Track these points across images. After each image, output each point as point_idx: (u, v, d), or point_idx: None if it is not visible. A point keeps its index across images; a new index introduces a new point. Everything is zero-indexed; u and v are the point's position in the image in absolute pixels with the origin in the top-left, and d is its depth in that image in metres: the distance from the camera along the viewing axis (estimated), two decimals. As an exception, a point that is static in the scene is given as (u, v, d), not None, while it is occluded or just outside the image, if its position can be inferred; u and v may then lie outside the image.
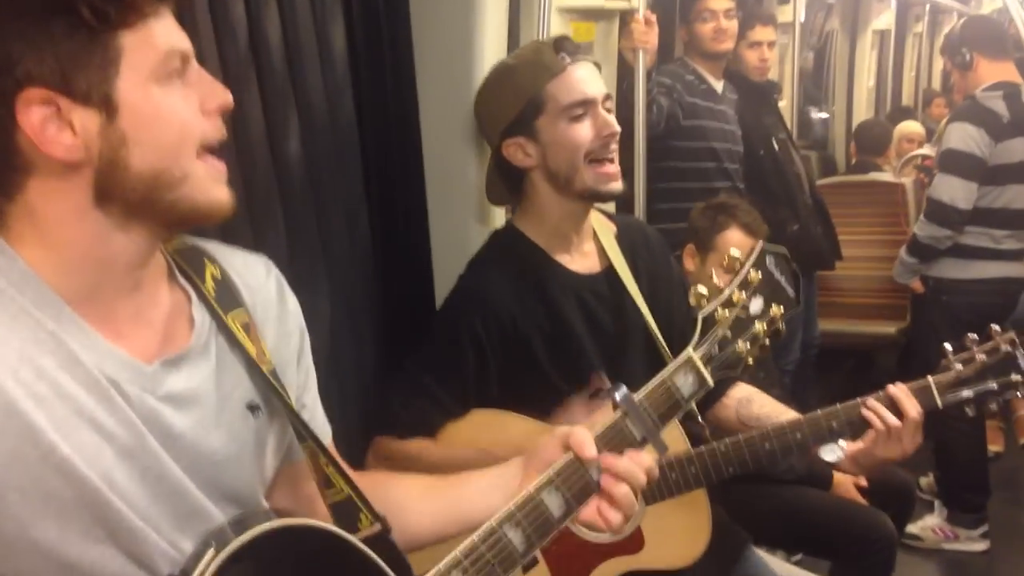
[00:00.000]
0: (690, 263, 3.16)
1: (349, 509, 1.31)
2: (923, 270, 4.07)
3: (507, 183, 2.09)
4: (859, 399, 1.96)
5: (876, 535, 2.81)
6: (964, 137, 3.78)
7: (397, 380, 2.02)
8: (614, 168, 1.98)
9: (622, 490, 1.33)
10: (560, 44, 2.01)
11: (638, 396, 1.40)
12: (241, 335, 1.23)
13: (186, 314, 1.20)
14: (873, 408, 1.91)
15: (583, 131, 1.96)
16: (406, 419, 1.97)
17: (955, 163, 3.82)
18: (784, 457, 2.03)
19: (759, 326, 1.49)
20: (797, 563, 3.49)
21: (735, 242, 3.06)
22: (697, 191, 3.66)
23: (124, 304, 1.13)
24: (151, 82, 1.07)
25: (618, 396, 1.38)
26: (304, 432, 1.29)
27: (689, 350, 1.46)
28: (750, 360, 1.49)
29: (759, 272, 1.49)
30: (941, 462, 4.17)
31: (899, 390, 1.92)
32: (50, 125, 1.04)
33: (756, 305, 1.48)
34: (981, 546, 4.06)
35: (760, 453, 1.99)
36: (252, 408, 1.24)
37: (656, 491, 1.99)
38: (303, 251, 1.89)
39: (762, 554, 2.39)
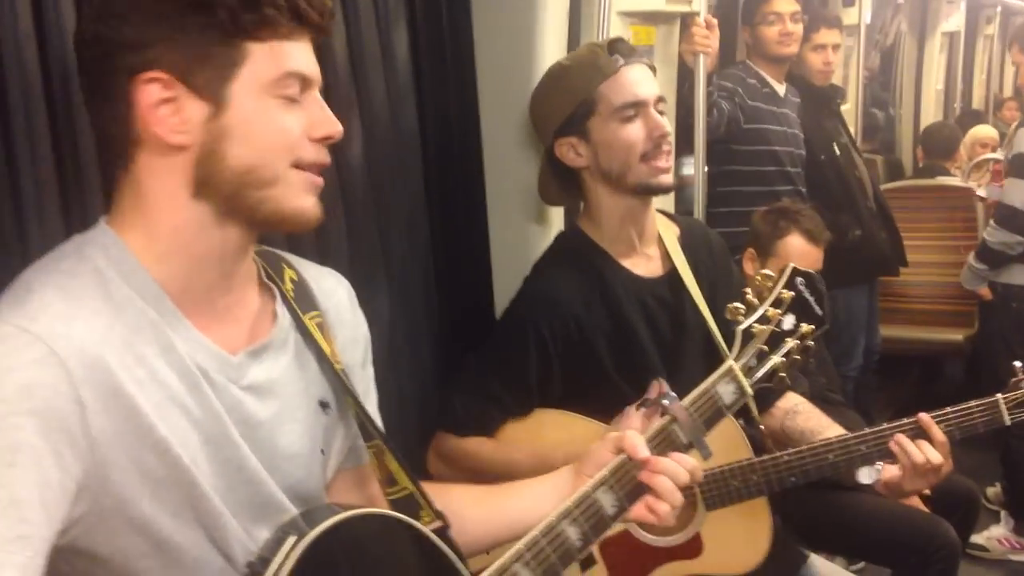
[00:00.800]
0: (750, 267, 3.14)
1: (411, 505, 1.37)
2: (992, 276, 4.00)
3: (560, 183, 2.13)
4: (886, 425, 1.98)
5: (938, 544, 2.77)
6: None
7: (460, 378, 2.06)
8: (665, 163, 2.01)
9: (665, 484, 1.39)
10: (614, 46, 2.04)
11: (684, 403, 1.47)
12: (317, 334, 1.31)
13: (270, 311, 1.28)
14: (900, 443, 1.94)
15: (635, 131, 1.99)
16: (465, 418, 2.01)
17: None
18: (849, 469, 2.04)
19: (791, 342, 1.57)
20: (858, 571, 3.47)
21: (796, 248, 3.05)
22: (758, 195, 3.66)
23: (217, 299, 1.21)
24: (263, 92, 1.15)
25: (666, 402, 1.46)
26: (372, 429, 1.35)
27: (730, 361, 1.53)
28: (783, 373, 1.56)
29: (790, 291, 1.58)
30: (1008, 472, 4.09)
31: (927, 419, 1.94)
32: (164, 107, 1.13)
33: (788, 322, 1.57)
34: (1047, 557, 3.98)
35: (824, 465, 2.01)
36: (323, 405, 1.31)
37: (717, 498, 2.02)
38: (363, 255, 1.93)
39: (822, 563, 2.37)
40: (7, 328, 1.05)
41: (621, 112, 1.99)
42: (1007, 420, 1.95)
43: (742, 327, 1.56)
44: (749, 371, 1.54)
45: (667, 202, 3.10)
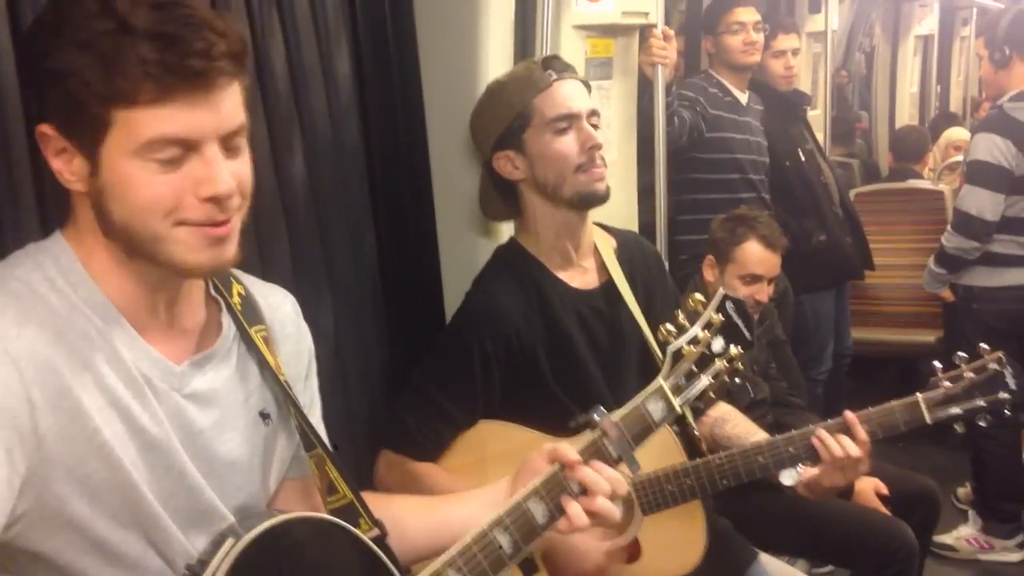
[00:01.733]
0: (710, 274, 3.18)
1: (350, 514, 1.41)
2: (951, 280, 4.04)
3: (500, 197, 2.16)
4: (812, 426, 2.06)
5: (896, 544, 2.79)
6: (990, 148, 3.76)
7: (407, 395, 2.09)
8: (599, 170, 2.05)
9: (588, 475, 1.45)
10: (548, 62, 2.09)
11: (614, 417, 1.52)
12: (262, 346, 1.35)
13: (216, 322, 1.32)
14: (821, 439, 2.01)
15: (568, 143, 2.03)
16: (419, 437, 2.03)
17: (982, 174, 3.80)
18: (778, 470, 2.11)
19: (720, 363, 1.64)
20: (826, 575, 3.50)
21: (754, 254, 3.09)
22: (721, 202, 3.68)
23: (161, 312, 1.25)
24: (134, 156, 1.13)
25: (596, 417, 1.51)
26: (313, 438, 1.39)
27: (660, 380, 1.60)
28: (712, 393, 1.63)
29: (720, 315, 1.65)
30: (977, 472, 4.12)
31: (852, 417, 2.02)
32: (60, 157, 1.16)
33: (718, 344, 1.64)
34: (1017, 556, 4.01)
35: (754, 466, 2.08)
36: (264, 416, 1.36)
37: (652, 502, 2.06)
38: (307, 270, 1.96)
39: (771, 561, 2.40)
40: None
41: (554, 124, 2.03)
42: (928, 419, 2.01)
43: (672, 347, 1.62)
44: (678, 389, 1.60)
45: (631, 210, 3.15)
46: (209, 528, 1.26)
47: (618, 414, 1.54)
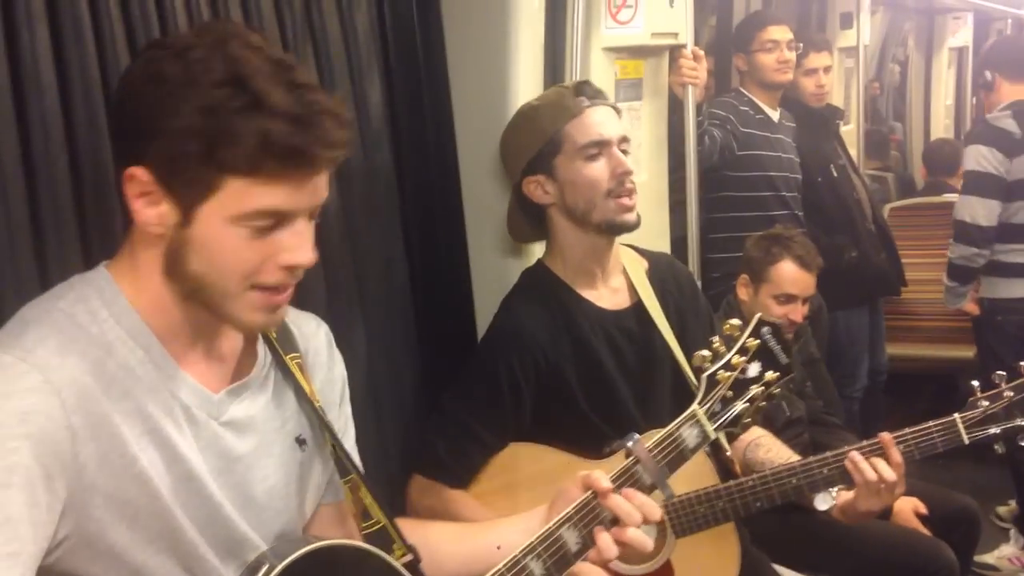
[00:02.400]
0: (744, 293, 3.17)
1: (384, 539, 1.43)
2: (966, 292, 4.08)
3: (528, 220, 2.18)
4: (845, 447, 2.05)
5: (936, 566, 2.76)
6: (978, 158, 3.86)
7: (437, 419, 2.10)
8: (629, 201, 2.06)
9: (619, 504, 1.45)
10: (580, 88, 2.10)
11: (647, 444, 1.52)
12: (298, 373, 1.38)
13: (253, 352, 1.36)
14: (854, 463, 2.01)
15: (599, 169, 2.04)
16: (449, 462, 2.04)
17: (973, 183, 3.89)
18: (812, 492, 2.10)
19: (756, 389, 1.62)
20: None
21: (788, 274, 3.08)
22: (754, 220, 3.69)
23: (200, 343, 1.29)
24: (231, 221, 1.18)
25: (630, 444, 1.52)
26: (349, 464, 1.42)
27: (695, 406, 1.59)
28: (747, 419, 1.62)
29: (756, 340, 1.63)
30: (1020, 489, 4.07)
31: (888, 438, 2.01)
32: (143, 199, 1.19)
33: (754, 370, 1.63)
34: (1060, 576, 3.95)
35: (787, 488, 2.07)
36: (300, 441, 1.39)
37: (685, 525, 2.06)
38: (340, 296, 1.98)
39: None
40: (6, 358, 1.13)
41: (585, 151, 2.05)
42: (966, 439, 2.00)
43: (707, 373, 1.60)
44: (713, 416, 1.59)
45: (663, 229, 3.15)
46: (244, 557, 1.29)
47: (652, 440, 1.53)
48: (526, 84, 2.35)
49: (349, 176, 2.02)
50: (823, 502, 2.12)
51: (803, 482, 2.07)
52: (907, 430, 2.04)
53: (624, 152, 2.08)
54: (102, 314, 1.21)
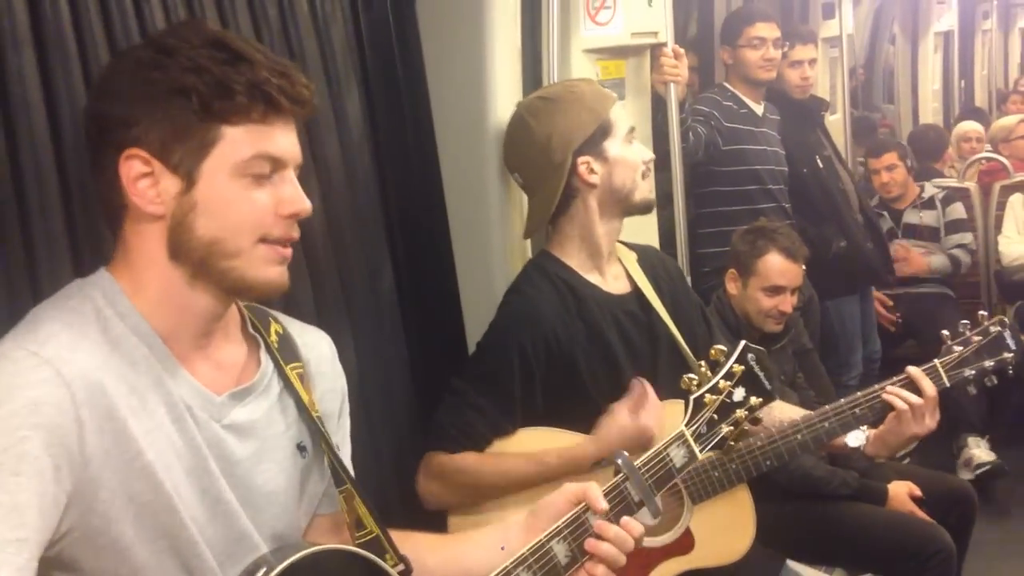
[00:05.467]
0: (733, 287, 3.20)
1: (376, 548, 1.44)
2: None
3: (562, 203, 2.19)
4: (877, 386, 2.15)
5: (933, 548, 2.80)
6: None
7: (447, 400, 2.12)
8: (652, 179, 2.27)
9: (610, 552, 1.47)
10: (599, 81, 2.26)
11: (637, 463, 1.57)
12: (297, 383, 1.40)
13: (256, 359, 1.39)
14: (894, 392, 2.11)
15: (637, 153, 2.21)
16: (455, 433, 2.06)
17: None
18: (816, 447, 2.21)
19: (740, 413, 1.69)
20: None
21: (775, 266, 3.11)
22: (741, 214, 3.71)
23: (203, 345, 1.31)
24: (233, 172, 1.24)
25: (620, 461, 1.56)
26: (344, 474, 1.44)
27: (682, 427, 1.65)
28: (732, 441, 1.69)
29: (742, 366, 1.71)
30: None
31: (917, 372, 2.13)
32: (143, 180, 1.24)
33: (739, 394, 1.69)
34: None
35: (794, 444, 2.19)
36: (300, 448, 1.41)
37: (701, 490, 2.13)
38: (328, 307, 1.99)
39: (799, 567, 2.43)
40: (19, 352, 1.17)
41: (629, 135, 2.20)
42: (947, 382, 2.16)
43: (694, 396, 1.67)
44: (699, 437, 1.65)
45: (651, 227, 3.18)
46: (242, 559, 1.31)
47: (641, 459, 1.58)
48: (504, 88, 2.37)
49: (332, 187, 2.04)
50: (855, 440, 2.21)
51: (808, 437, 2.18)
52: (894, 379, 2.16)
53: None
54: (107, 312, 1.24)
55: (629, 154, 2.17)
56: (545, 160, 2.17)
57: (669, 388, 2.08)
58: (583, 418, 2.07)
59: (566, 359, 2.08)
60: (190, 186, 1.23)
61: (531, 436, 2.09)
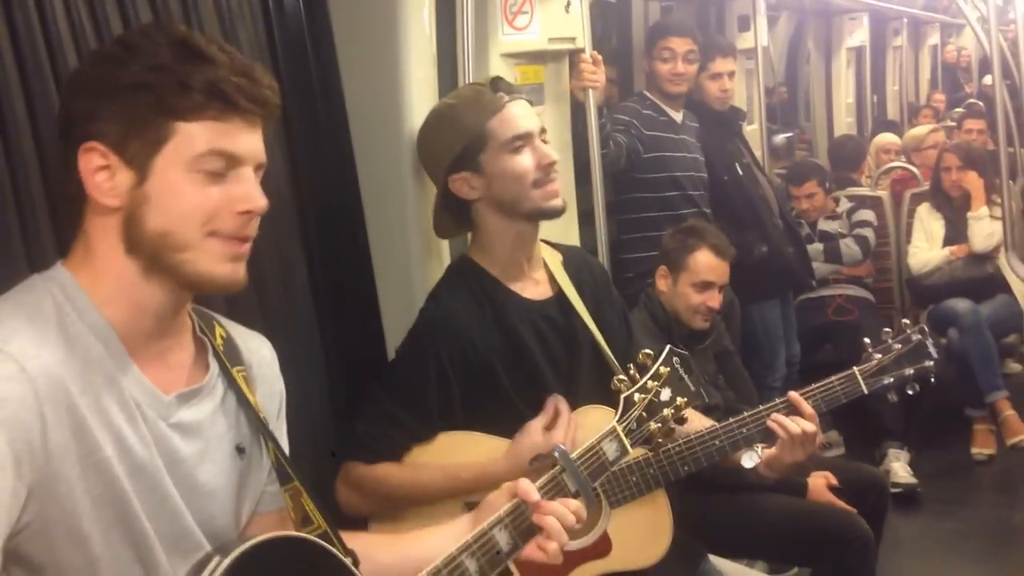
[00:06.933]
0: (663, 284, 3.26)
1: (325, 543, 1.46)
2: None
3: (454, 217, 2.21)
4: (763, 407, 2.20)
5: (852, 535, 2.87)
6: None
7: (363, 408, 2.11)
8: (555, 186, 2.13)
9: (553, 524, 1.56)
10: (496, 84, 2.16)
11: (573, 456, 1.66)
12: (243, 385, 1.45)
13: (204, 362, 1.43)
14: (778, 421, 2.16)
15: (525, 161, 2.10)
16: (372, 444, 2.06)
17: None
18: (735, 451, 2.22)
19: (667, 411, 1.80)
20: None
21: (705, 262, 3.19)
22: (663, 219, 3.75)
23: (155, 344, 1.35)
24: (183, 166, 1.27)
25: (556, 453, 1.65)
26: (291, 471, 1.48)
27: (614, 422, 1.75)
28: (660, 437, 1.80)
29: (667, 367, 1.83)
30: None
31: (796, 397, 2.18)
32: (101, 173, 1.28)
33: (666, 394, 1.81)
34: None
35: (712, 450, 2.20)
36: (240, 450, 1.45)
37: (619, 495, 2.13)
38: (240, 307, 1.95)
39: (731, 566, 2.44)
40: None
41: (511, 144, 2.10)
42: (865, 389, 2.20)
43: (625, 395, 1.78)
44: (630, 433, 1.77)
45: (571, 231, 3.20)
46: (186, 553, 1.34)
47: (577, 452, 1.67)
48: (419, 90, 2.37)
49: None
50: (749, 460, 2.23)
51: (726, 442, 2.20)
52: (813, 386, 2.22)
53: (545, 142, 2.14)
54: (66, 308, 1.27)
55: (509, 164, 2.09)
56: (429, 176, 2.23)
57: (592, 390, 2.11)
58: (506, 422, 2.07)
59: (484, 367, 2.08)
60: (143, 179, 1.26)
61: (452, 441, 2.09)
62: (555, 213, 2.15)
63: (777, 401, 2.21)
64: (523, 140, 2.10)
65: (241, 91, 1.27)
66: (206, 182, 1.27)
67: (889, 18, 8.64)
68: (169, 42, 1.27)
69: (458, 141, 2.11)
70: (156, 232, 1.27)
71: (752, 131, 5.13)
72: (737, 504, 2.90)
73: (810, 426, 2.13)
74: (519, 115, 2.11)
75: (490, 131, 2.10)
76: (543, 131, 2.15)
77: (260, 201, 1.31)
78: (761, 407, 2.21)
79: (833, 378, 2.22)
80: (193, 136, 1.26)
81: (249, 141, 1.31)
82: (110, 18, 1.70)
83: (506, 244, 2.16)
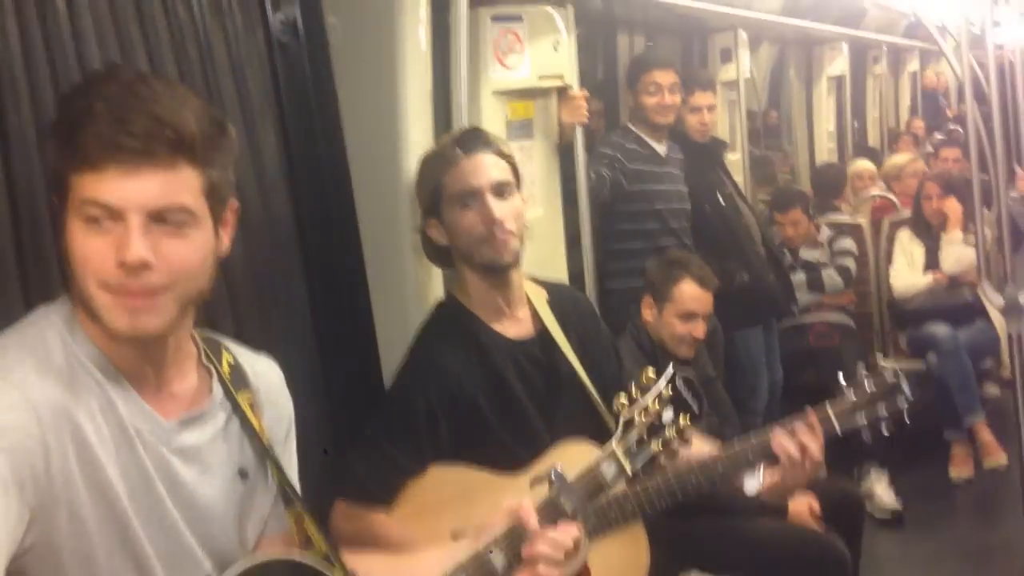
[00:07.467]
0: (648, 314, 3.33)
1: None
2: None
3: (437, 255, 2.31)
4: (769, 431, 2.18)
5: (831, 558, 2.89)
6: None
7: (359, 447, 2.18)
8: (500, 241, 2.15)
9: (539, 550, 1.59)
10: (460, 138, 2.23)
11: (570, 478, 1.68)
12: (247, 410, 1.47)
13: (207, 388, 1.45)
14: (781, 445, 2.15)
15: (470, 219, 2.16)
16: (370, 486, 2.12)
17: None
18: (710, 487, 2.23)
19: (669, 432, 1.80)
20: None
21: (689, 292, 3.26)
22: (645, 251, 3.82)
23: (151, 373, 1.37)
24: (74, 215, 1.28)
25: (553, 476, 1.67)
26: (293, 496, 1.50)
27: (612, 444, 1.76)
28: (661, 460, 1.79)
29: (669, 389, 1.81)
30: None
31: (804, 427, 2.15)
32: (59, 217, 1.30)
33: (668, 415, 1.79)
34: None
35: (688, 486, 2.20)
36: (243, 474, 1.47)
37: (598, 527, 2.17)
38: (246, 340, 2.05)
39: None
40: None
41: (459, 199, 2.17)
42: (838, 429, 2.16)
43: (624, 416, 1.77)
44: (629, 454, 1.76)
45: (559, 261, 3.30)
46: (186, 573, 1.37)
47: (575, 475, 1.68)
48: (416, 127, 2.48)
49: (247, 223, 2.10)
50: (751, 487, 2.26)
51: (703, 479, 2.20)
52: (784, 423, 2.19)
53: (501, 196, 2.16)
54: (67, 338, 1.31)
55: (457, 219, 2.16)
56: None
57: (574, 426, 2.18)
58: (495, 456, 2.13)
59: (470, 405, 2.15)
60: (64, 227, 1.28)
61: (444, 475, 2.15)
62: (502, 268, 2.18)
63: (756, 437, 2.21)
64: (471, 197, 2.15)
65: (113, 142, 1.23)
66: (91, 232, 1.25)
67: (868, 47, 8.76)
68: (79, 89, 1.29)
69: (427, 189, 2.23)
70: (74, 282, 1.29)
71: (735, 160, 5.23)
72: (718, 524, 2.95)
73: (815, 448, 2.13)
74: (469, 171, 2.15)
75: (444, 184, 2.18)
76: (502, 185, 2.16)
77: (133, 253, 1.24)
78: (738, 446, 2.21)
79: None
80: (78, 186, 1.26)
81: (132, 188, 1.24)
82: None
83: (479, 288, 2.23)
